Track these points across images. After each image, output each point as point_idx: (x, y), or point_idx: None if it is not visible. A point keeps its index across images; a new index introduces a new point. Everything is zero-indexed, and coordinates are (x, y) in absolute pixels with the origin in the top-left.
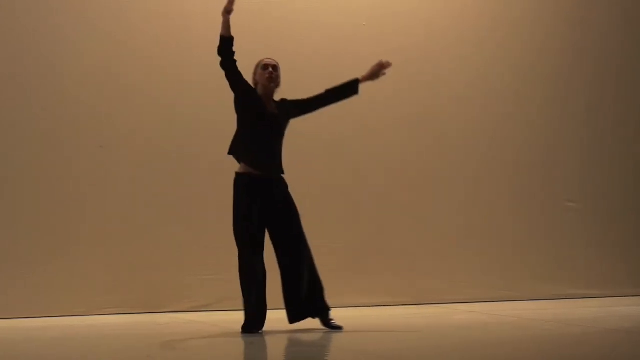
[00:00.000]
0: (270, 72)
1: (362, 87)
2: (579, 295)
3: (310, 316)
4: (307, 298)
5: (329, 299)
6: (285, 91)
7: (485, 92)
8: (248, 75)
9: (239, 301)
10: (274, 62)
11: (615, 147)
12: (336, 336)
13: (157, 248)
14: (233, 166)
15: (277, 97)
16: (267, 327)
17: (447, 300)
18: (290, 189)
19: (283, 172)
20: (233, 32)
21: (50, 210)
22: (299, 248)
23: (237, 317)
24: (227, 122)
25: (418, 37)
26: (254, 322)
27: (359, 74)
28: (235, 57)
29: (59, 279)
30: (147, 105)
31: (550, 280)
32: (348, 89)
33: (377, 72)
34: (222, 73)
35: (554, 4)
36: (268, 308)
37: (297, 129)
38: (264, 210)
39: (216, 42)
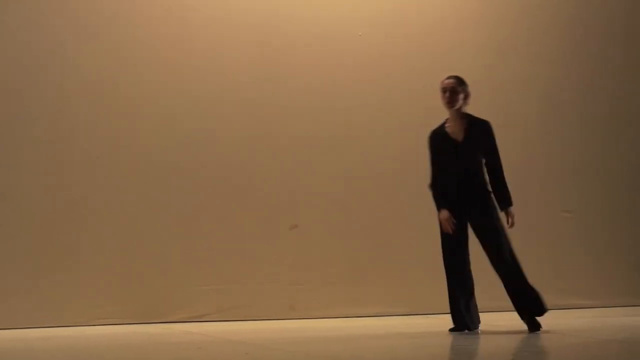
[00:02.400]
0: (446, 96)
1: (357, 96)
2: (574, 305)
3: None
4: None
5: (325, 309)
6: (281, 97)
7: (480, 101)
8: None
9: (235, 311)
10: (450, 84)
11: (612, 157)
12: (334, 345)
13: (154, 259)
14: (232, 177)
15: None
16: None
17: (444, 311)
18: (285, 199)
19: (478, 191)
20: (234, 45)
21: (47, 221)
22: (499, 258)
23: (234, 328)
24: (227, 132)
25: (413, 47)
26: (458, 321)
27: (354, 85)
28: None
29: (57, 289)
30: (147, 115)
31: (545, 290)
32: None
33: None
34: (222, 82)
35: (550, 12)
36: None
37: (291, 138)
38: (463, 226)
39: (214, 52)
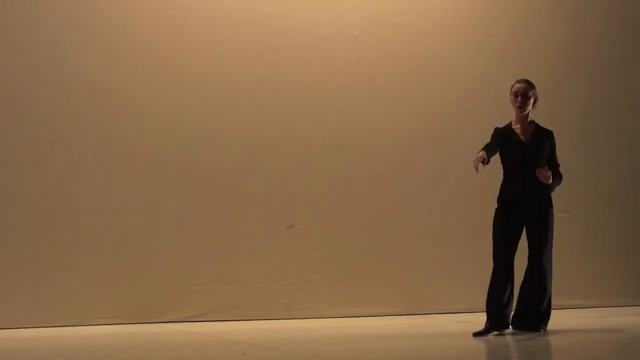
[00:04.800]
0: (519, 100)
1: (355, 96)
2: (571, 305)
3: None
4: (521, 312)
5: (322, 309)
6: (278, 98)
7: (477, 102)
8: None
9: (233, 311)
10: (522, 88)
11: (608, 157)
12: (333, 345)
13: (152, 259)
14: (230, 177)
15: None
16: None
17: (440, 310)
18: (283, 199)
19: (537, 195)
20: (234, 45)
21: (45, 221)
22: (534, 263)
23: (231, 328)
24: (225, 132)
25: (413, 47)
26: (502, 319)
27: (354, 85)
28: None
29: (54, 289)
30: (146, 115)
31: None
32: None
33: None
34: (219, 82)
35: (548, 13)
36: None
37: (289, 138)
38: (517, 225)
39: (211, 52)
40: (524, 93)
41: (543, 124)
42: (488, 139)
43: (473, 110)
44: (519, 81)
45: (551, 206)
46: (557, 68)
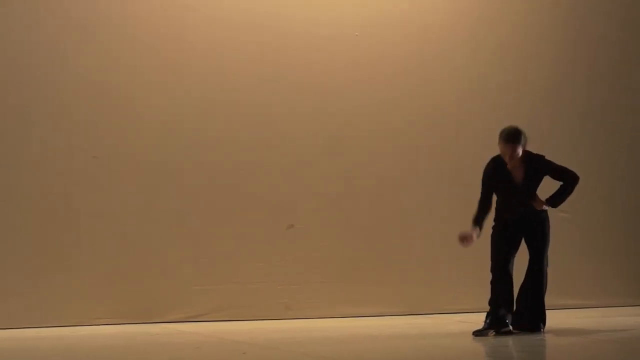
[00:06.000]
0: (507, 160)
1: (354, 96)
2: (571, 305)
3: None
4: (520, 312)
5: (322, 309)
6: (278, 98)
7: (477, 102)
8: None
9: (233, 311)
10: (509, 151)
11: (608, 157)
12: (333, 345)
13: (152, 259)
14: (229, 177)
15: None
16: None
17: (440, 311)
18: (283, 199)
19: (532, 213)
20: (234, 45)
21: (45, 221)
22: (532, 266)
23: (232, 328)
24: (225, 132)
25: (413, 47)
26: (501, 319)
27: (353, 85)
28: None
29: (54, 290)
30: (145, 115)
31: None
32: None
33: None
34: (219, 82)
35: (547, 14)
36: None
37: (290, 139)
38: (515, 238)
39: (211, 52)
40: (511, 153)
41: (543, 124)
42: (488, 139)
43: (473, 110)
44: (505, 140)
45: (546, 213)
46: (557, 68)
